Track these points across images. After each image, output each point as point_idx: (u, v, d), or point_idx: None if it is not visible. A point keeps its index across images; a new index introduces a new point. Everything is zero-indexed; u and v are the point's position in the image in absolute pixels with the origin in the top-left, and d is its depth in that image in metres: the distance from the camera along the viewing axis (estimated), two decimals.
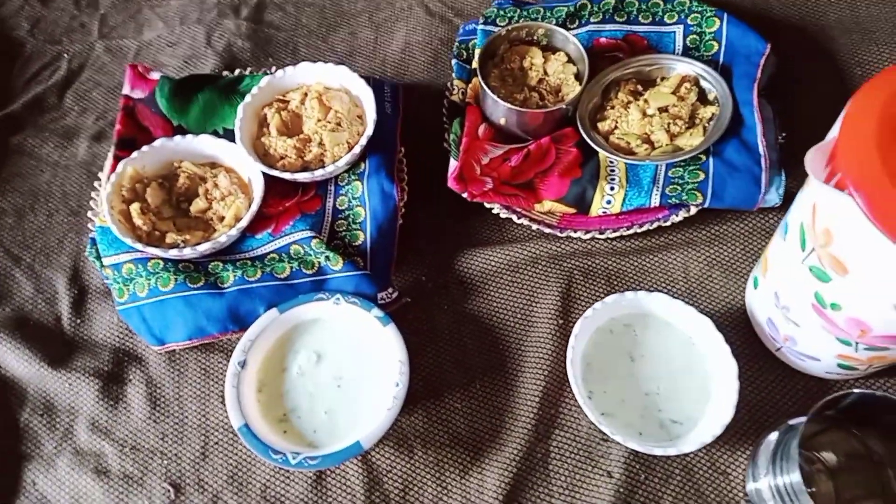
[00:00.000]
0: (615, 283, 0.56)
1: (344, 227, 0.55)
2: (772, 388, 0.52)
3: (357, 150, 0.55)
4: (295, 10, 0.74)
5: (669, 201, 0.54)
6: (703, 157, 0.56)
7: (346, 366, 0.52)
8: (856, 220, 0.34)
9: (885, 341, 0.41)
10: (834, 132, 0.37)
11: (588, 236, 0.56)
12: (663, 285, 0.56)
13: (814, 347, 0.47)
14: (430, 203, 0.60)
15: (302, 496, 0.50)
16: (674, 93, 0.58)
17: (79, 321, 0.57)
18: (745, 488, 0.48)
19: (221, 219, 0.55)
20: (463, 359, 0.54)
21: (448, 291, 0.57)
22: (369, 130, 0.56)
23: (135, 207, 0.54)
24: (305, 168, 0.57)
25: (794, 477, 0.41)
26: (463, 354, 0.55)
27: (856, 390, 0.41)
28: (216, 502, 0.50)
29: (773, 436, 0.46)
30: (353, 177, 0.57)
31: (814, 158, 0.35)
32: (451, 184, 0.56)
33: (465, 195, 0.56)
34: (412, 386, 0.50)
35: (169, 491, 0.50)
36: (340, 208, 0.56)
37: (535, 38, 0.61)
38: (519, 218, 0.57)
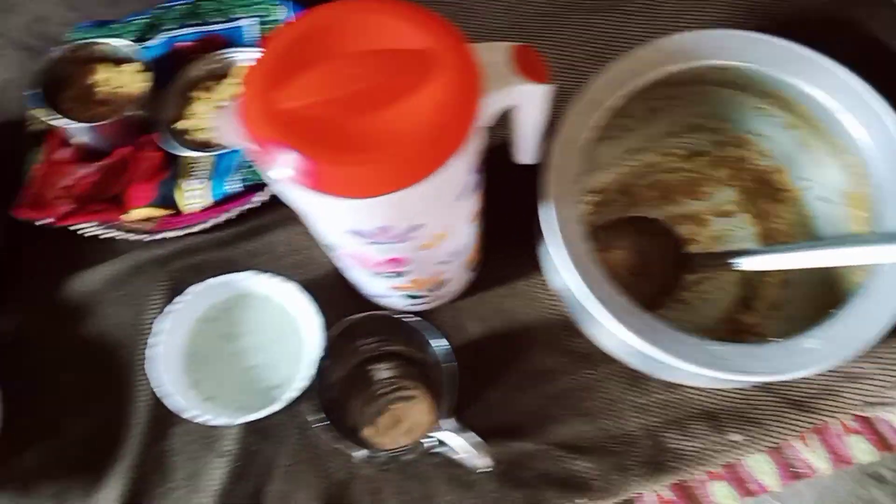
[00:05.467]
0: (228, 272, 0.58)
1: None
2: None
3: None
4: None
5: (247, 183, 0.57)
6: None
7: None
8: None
9: (388, 265, 0.46)
10: None
11: (183, 233, 0.57)
12: (272, 263, 0.58)
13: (370, 286, 0.51)
14: (31, 239, 0.58)
15: None
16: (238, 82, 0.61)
17: None
18: None
19: None
20: (75, 390, 0.54)
21: (54, 323, 0.56)
22: None
23: None
24: None
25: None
26: (75, 385, 0.54)
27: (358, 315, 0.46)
28: None
29: None
30: None
31: (221, 122, 0.38)
32: (20, 214, 0.55)
33: (42, 222, 0.55)
34: (23, 428, 0.49)
35: None
36: None
37: (103, 54, 0.61)
38: (107, 231, 0.56)
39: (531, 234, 0.54)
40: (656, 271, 0.53)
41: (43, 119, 0.59)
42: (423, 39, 0.36)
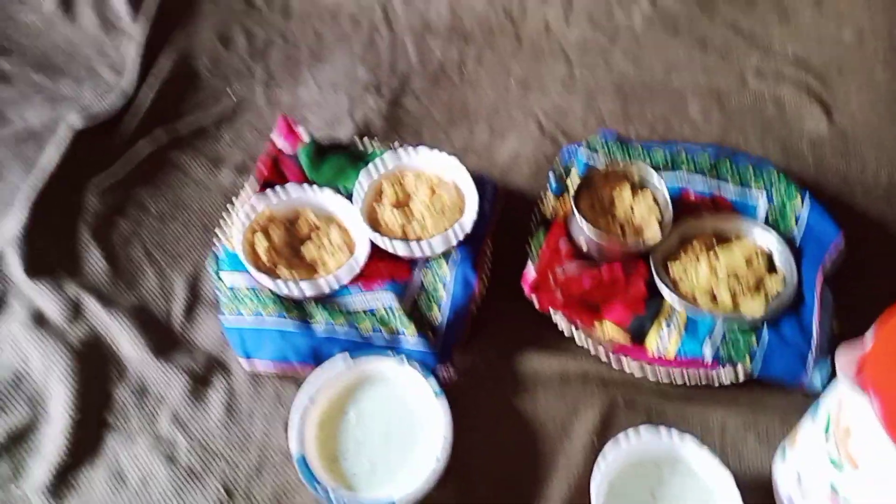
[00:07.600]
0: (654, 421, 0.59)
1: (424, 302, 0.63)
2: None
3: (453, 239, 0.63)
4: (428, 101, 0.84)
5: (720, 357, 0.59)
6: (760, 326, 0.60)
7: (397, 425, 0.58)
8: (872, 421, 0.38)
9: None
10: (870, 335, 0.41)
11: (638, 369, 0.61)
12: (696, 432, 0.59)
13: None
14: (505, 299, 0.66)
15: None
16: (745, 259, 0.63)
17: (186, 322, 0.67)
18: None
19: (324, 265, 0.65)
20: (499, 448, 0.59)
21: (501, 383, 0.63)
22: (468, 226, 0.64)
23: (260, 240, 0.64)
24: (405, 241, 0.65)
25: None
26: (501, 444, 0.60)
27: None
28: None
29: None
30: (442, 259, 0.65)
31: (844, 355, 0.39)
32: (525, 289, 0.63)
33: (535, 303, 0.63)
34: (448, 460, 0.56)
35: (221, 492, 0.57)
36: (426, 285, 0.64)
37: (631, 176, 0.68)
38: (575, 329, 0.62)
39: None
40: None
41: (556, 207, 0.68)
42: None
